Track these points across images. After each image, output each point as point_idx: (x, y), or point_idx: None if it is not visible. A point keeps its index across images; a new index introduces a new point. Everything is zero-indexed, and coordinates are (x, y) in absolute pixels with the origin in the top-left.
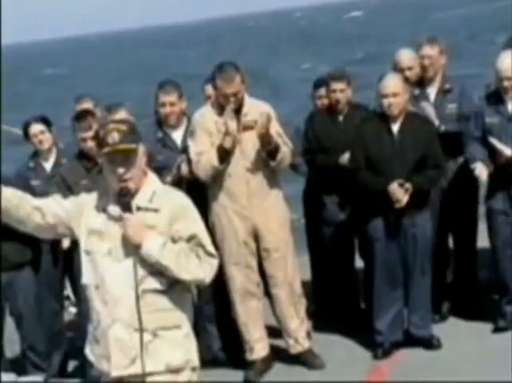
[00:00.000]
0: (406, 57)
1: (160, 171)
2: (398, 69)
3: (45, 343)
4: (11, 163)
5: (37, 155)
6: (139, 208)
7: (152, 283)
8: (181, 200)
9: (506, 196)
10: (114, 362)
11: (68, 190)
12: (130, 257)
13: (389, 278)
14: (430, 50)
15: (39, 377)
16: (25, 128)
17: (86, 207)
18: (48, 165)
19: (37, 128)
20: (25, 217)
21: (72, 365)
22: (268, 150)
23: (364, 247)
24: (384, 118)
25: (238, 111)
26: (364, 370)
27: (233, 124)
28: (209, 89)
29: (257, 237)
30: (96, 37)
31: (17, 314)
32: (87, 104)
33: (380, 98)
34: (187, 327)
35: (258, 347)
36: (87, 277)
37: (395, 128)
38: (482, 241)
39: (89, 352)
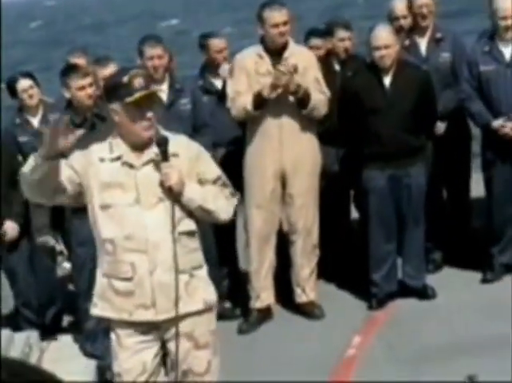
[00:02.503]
0: (400, 5)
1: None
2: (392, 17)
3: (39, 299)
4: None
5: (22, 110)
6: (158, 155)
7: (186, 225)
8: (192, 143)
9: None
10: (159, 307)
11: None
12: (162, 203)
13: (384, 230)
14: None
15: (33, 333)
16: (11, 83)
17: (89, 163)
18: (35, 121)
19: (26, 83)
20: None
21: (66, 320)
22: (297, 98)
23: (359, 198)
24: (376, 70)
25: (279, 54)
26: (360, 321)
27: (283, 79)
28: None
29: (284, 182)
30: None
31: (11, 271)
32: (78, 58)
33: (372, 50)
34: (205, 266)
35: (264, 295)
36: (109, 231)
37: (387, 79)
38: (478, 191)
39: (102, 309)
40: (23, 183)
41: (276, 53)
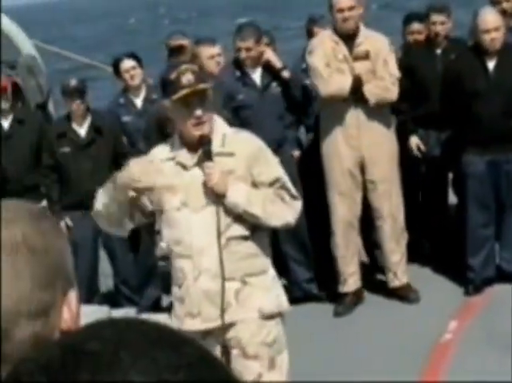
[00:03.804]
0: None
1: (240, 110)
2: (495, 1)
3: (138, 277)
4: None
5: (127, 91)
6: (219, 154)
7: (236, 230)
8: (255, 142)
9: None
10: (204, 315)
11: (161, 127)
12: (209, 206)
13: (483, 215)
14: None
15: (131, 310)
16: (116, 64)
17: (151, 168)
18: (138, 101)
19: (128, 63)
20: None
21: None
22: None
23: (457, 183)
24: (479, 53)
25: (352, 38)
26: (456, 306)
27: None
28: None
29: (363, 168)
30: None
31: (111, 249)
32: (181, 41)
33: (479, 34)
34: (272, 271)
35: (351, 280)
36: (165, 235)
37: (492, 63)
38: None
39: (173, 315)
40: (98, 219)
41: (348, 38)
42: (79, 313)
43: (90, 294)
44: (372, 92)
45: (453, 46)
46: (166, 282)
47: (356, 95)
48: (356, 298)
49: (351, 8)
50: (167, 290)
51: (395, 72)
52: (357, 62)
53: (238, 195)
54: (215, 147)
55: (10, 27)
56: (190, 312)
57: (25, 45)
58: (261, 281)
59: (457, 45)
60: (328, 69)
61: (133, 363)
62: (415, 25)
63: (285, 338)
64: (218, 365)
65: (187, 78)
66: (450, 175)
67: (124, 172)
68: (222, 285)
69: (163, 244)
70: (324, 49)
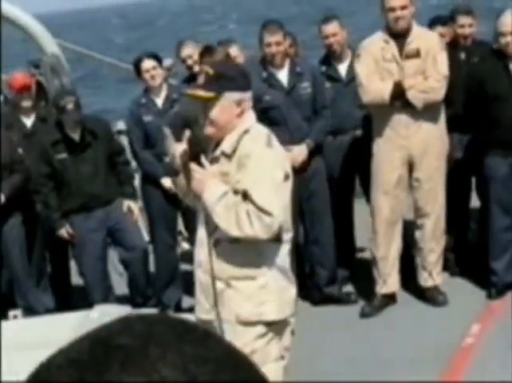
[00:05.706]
0: None
1: (267, 111)
2: None
3: (159, 278)
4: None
5: (148, 91)
6: (224, 155)
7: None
8: (248, 147)
9: None
10: (199, 305)
11: (186, 127)
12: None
13: (506, 218)
14: None
15: (153, 310)
16: (137, 64)
17: None
18: (159, 101)
19: (149, 63)
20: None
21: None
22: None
23: (481, 186)
24: (502, 56)
25: (403, 37)
26: (478, 310)
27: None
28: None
29: (411, 167)
30: None
31: (124, 262)
32: (190, 48)
33: (498, 36)
34: (263, 279)
35: (391, 281)
36: None
37: None
38: None
39: None
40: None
41: (400, 37)
42: None
43: (104, 294)
44: (416, 97)
45: (477, 49)
46: (187, 283)
47: (401, 100)
48: (388, 300)
49: (403, 7)
50: (188, 291)
51: (444, 70)
52: (408, 61)
53: (209, 200)
54: (225, 147)
55: (35, 26)
56: (196, 298)
57: (50, 44)
58: (243, 287)
59: (481, 47)
60: (372, 75)
61: (161, 356)
62: (439, 29)
63: (276, 350)
64: (246, 361)
65: (201, 79)
66: (474, 179)
67: None
68: (210, 282)
69: (185, 245)
70: (371, 51)
